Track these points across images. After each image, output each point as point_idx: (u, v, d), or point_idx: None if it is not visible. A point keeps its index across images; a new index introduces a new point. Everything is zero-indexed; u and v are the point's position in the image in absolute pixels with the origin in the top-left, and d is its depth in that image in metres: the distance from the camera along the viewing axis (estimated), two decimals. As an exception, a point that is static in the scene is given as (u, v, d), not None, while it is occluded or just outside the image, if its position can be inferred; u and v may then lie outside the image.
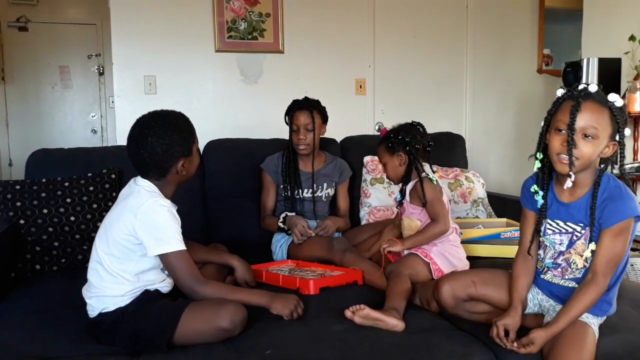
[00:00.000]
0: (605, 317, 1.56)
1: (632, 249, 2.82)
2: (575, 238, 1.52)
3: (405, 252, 2.01)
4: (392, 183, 2.19)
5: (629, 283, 2.14)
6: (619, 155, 1.46)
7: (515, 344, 1.46)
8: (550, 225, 1.56)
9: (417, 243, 1.99)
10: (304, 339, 1.53)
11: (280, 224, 2.37)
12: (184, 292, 1.62)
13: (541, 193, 1.55)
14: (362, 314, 1.60)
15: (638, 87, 2.97)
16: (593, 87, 1.43)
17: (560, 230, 1.54)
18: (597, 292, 1.45)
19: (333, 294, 1.87)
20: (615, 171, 1.50)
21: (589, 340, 1.45)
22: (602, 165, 1.48)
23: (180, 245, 1.58)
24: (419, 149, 2.04)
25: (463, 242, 2.32)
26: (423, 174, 2.03)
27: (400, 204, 2.13)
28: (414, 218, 2.06)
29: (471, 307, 1.64)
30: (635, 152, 3.18)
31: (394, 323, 1.59)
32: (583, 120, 1.40)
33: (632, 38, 2.99)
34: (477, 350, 1.52)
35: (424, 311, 1.78)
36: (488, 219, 2.66)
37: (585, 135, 1.41)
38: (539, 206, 1.57)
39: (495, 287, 1.63)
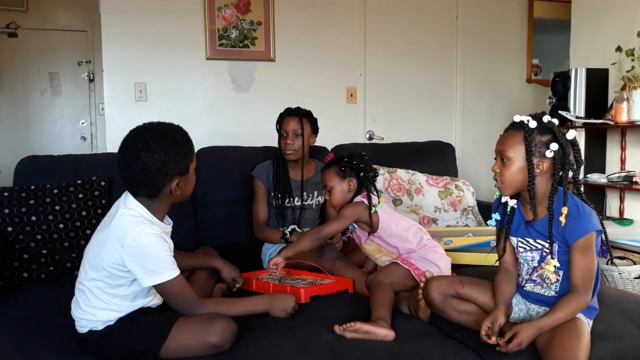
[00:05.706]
0: (592, 320, 1.59)
1: (620, 258, 2.85)
2: (544, 254, 1.58)
3: (386, 261, 2.02)
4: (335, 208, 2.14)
5: (616, 291, 2.16)
6: (568, 165, 1.51)
7: (501, 343, 1.47)
8: (521, 243, 1.64)
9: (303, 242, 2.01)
10: (294, 348, 1.53)
11: (287, 235, 2.34)
12: (181, 313, 1.56)
13: (496, 214, 1.68)
14: (352, 328, 1.60)
15: (625, 97, 3.00)
16: (545, 118, 1.52)
17: (531, 248, 1.62)
18: (581, 303, 1.51)
19: (324, 302, 1.87)
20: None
21: (585, 335, 1.48)
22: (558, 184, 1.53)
23: (174, 273, 1.51)
24: (370, 176, 2.06)
25: (453, 250, 2.34)
26: (358, 199, 2.04)
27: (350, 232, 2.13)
28: (371, 242, 2.08)
29: (458, 305, 1.67)
30: (622, 162, 3.21)
31: (385, 333, 1.60)
32: (499, 144, 1.56)
33: (619, 49, 3.03)
34: (468, 359, 1.53)
35: (414, 319, 1.78)
36: (478, 227, 2.67)
37: (502, 159, 1.54)
38: (493, 224, 1.70)
39: (481, 290, 1.68)
